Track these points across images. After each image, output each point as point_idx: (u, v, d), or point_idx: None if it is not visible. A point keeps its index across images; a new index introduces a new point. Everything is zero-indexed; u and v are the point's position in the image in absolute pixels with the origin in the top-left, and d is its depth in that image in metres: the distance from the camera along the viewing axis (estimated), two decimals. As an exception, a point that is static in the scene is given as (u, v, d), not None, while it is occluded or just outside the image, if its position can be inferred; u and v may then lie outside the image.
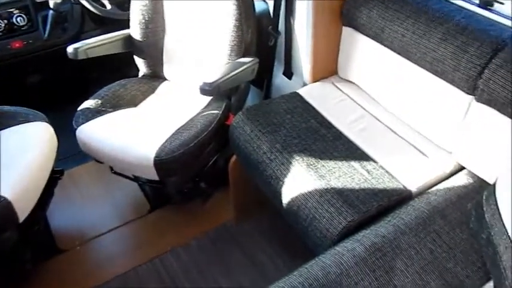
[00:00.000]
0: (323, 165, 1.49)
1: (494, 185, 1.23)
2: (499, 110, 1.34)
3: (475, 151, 1.47)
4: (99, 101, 1.90)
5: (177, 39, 2.02)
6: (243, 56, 1.86)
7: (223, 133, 1.81)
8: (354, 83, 1.91)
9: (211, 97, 1.93)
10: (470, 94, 1.43)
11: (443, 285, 1.18)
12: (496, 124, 1.36)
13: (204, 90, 1.68)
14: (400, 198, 1.43)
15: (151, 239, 1.98)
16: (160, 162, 1.65)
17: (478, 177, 1.48)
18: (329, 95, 1.86)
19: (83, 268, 1.86)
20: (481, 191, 1.31)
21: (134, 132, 1.77)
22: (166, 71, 2.09)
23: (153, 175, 1.70)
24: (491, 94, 1.34)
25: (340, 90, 1.90)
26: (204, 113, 1.85)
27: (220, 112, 1.84)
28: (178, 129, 1.78)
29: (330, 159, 1.51)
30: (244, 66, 1.81)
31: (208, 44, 1.93)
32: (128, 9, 2.04)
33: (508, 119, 1.32)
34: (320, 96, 1.83)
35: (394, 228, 1.29)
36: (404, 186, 1.46)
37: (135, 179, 1.91)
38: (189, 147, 1.68)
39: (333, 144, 1.58)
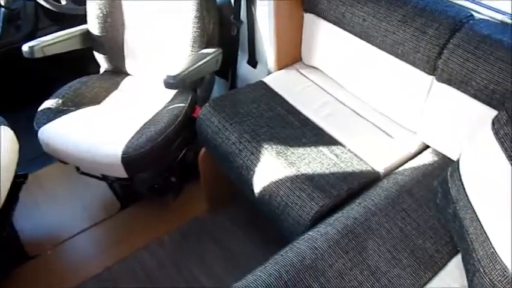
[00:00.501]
0: (292, 152, 1.50)
1: (457, 161, 1.27)
2: (458, 89, 1.38)
3: (438, 130, 1.51)
4: (60, 100, 1.84)
5: (137, 32, 1.98)
6: (206, 47, 1.84)
7: (190, 126, 1.79)
8: (318, 69, 1.92)
9: (176, 90, 1.91)
10: (431, 74, 1.46)
11: (415, 261, 1.22)
12: (456, 102, 1.40)
13: (168, 84, 1.66)
14: (369, 180, 1.46)
15: (123, 237, 1.96)
16: (128, 159, 1.62)
17: (442, 154, 1.53)
18: (294, 82, 1.86)
19: (55, 273, 1.82)
20: (445, 168, 1.35)
21: (99, 130, 1.73)
22: (129, 65, 2.05)
23: (122, 173, 1.67)
24: (451, 73, 1.38)
25: (305, 76, 1.91)
26: (170, 107, 1.82)
27: (186, 105, 1.82)
28: (145, 124, 1.75)
29: (299, 146, 1.53)
30: (208, 57, 1.79)
31: (170, 36, 1.90)
32: (84, 3, 1.98)
33: (467, 97, 1.36)
34: (285, 84, 1.83)
35: (365, 210, 1.32)
36: (372, 168, 1.48)
37: (103, 177, 1.87)
38: (156, 142, 1.66)
39: (301, 131, 1.59)
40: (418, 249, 1.24)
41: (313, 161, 1.47)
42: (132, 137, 1.67)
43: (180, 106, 1.81)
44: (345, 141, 1.57)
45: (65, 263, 1.87)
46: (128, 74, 2.07)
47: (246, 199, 1.62)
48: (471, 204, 1.14)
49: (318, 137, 1.58)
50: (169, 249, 1.88)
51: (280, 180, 1.42)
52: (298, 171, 1.43)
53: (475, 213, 1.12)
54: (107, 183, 2.15)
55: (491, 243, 1.05)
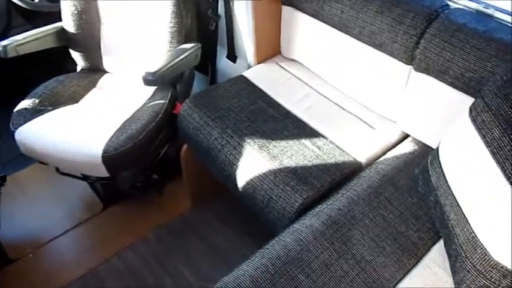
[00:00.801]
0: (275, 146, 1.50)
1: (437, 149, 1.29)
2: (436, 77, 1.40)
3: (417, 118, 1.53)
4: (37, 100, 1.80)
5: (114, 29, 1.95)
6: (185, 42, 1.83)
7: (171, 123, 1.77)
8: (298, 62, 1.92)
9: (155, 87, 1.89)
10: (408, 64, 1.48)
11: (398, 248, 1.23)
12: (434, 91, 1.42)
13: (147, 81, 1.64)
14: (351, 170, 1.47)
15: (107, 237, 1.93)
16: (109, 158, 1.60)
17: (422, 143, 1.55)
18: (274, 75, 1.86)
19: (37, 276, 1.79)
20: (425, 156, 1.37)
21: (78, 130, 1.70)
22: (106, 63, 2.02)
23: (103, 172, 1.64)
24: (428, 63, 1.39)
25: (285, 69, 1.91)
26: (150, 104, 1.80)
27: (167, 101, 1.80)
28: (125, 122, 1.73)
29: (281, 139, 1.53)
30: (187, 53, 1.78)
31: (148, 32, 1.88)
32: (58, 0, 1.94)
33: (445, 85, 1.38)
34: (266, 77, 1.83)
35: (348, 200, 1.33)
36: (354, 159, 1.50)
37: (84, 177, 1.84)
38: (137, 140, 1.64)
39: (283, 124, 1.59)
40: (401, 236, 1.26)
41: (295, 153, 1.48)
42: (113, 136, 1.65)
43: (160, 103, 1.79)
44: (327, 133, 1.58)
45: (48, 265, 1.84)
46: (106, 72, 2.04)
47: (229, 194, 1.62)
48: (451, 191, 1.16)
49: (299, 129, 1.58)
50: (154, 247, 1.87)
51: (264, 174, 1.42)
52: (281, 164, 1.43)
53: (455, 199, 1.15)
54: (88, 183, 2.12)
55: (471, 228, 1.07)
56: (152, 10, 1.82)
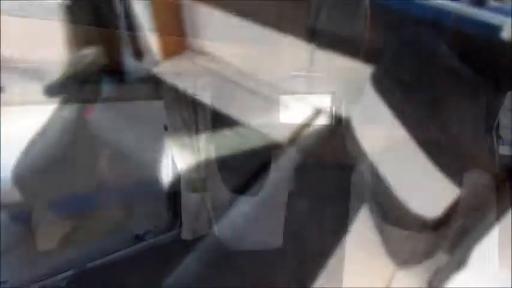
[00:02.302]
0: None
1: (348, 119, 1.36)
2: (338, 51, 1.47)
3: (326, 93, 1.60)
4: None
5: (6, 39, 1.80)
6: (84, 47, 1.74)
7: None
8: (207, 53, 1.91)
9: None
10: (311, 42, 1.53)
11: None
12: (338, 63, 1.49)
13: (48, 92, 1.54)
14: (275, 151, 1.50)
15: None
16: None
17: (335, 115, 1.62)
18: (185, 70, 1.84)
19: None
20: (340, 128, 1.44)
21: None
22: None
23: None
24: (328, 36, 1.45)
25: (196, 63, 1.89)
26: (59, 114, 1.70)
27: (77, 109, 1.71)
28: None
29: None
30: (88, 58, 1.70)
31: (44, 40, 1.76)
32: None
33: (347, 57, 1.45)
34: (176, 72, 1.80)
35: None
36: (275, 140, 1.53)
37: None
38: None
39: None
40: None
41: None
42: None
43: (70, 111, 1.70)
44: (245, 119, 1.60)
45: None
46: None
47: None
48: (367, 155, 1.24)
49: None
50: None
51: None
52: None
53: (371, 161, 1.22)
54: None
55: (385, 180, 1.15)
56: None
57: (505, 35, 1.34)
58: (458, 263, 1.14)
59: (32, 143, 1.60)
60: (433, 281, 1.18)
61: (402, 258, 1.21)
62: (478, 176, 1.15)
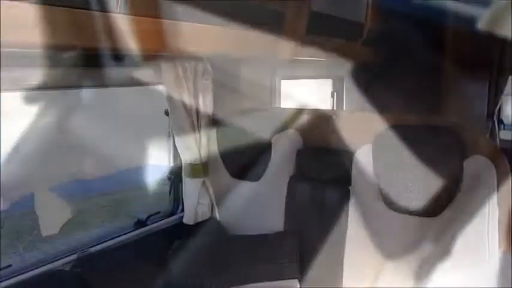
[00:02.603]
0: None
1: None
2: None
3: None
4: None
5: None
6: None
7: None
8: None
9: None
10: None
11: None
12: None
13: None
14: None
15: None
16: None
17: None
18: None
19: None
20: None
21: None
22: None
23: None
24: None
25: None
26: None
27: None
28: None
29: None
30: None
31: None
32: None
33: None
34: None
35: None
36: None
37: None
38: None
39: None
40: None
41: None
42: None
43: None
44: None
45: None
46: None
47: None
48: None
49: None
50: None
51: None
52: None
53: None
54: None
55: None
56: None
57: (481, 25, 1.35)
58: (443, 252, 1.15)
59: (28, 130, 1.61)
60: (420, 271, 1.19)
61: (390, 250, 1.22)
62: (479, 161, 1.16)
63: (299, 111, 1.59)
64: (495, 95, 2.04)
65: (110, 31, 1.07)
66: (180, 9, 1.10)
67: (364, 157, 1.27)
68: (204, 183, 1.61)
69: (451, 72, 2.10)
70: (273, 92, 1.74)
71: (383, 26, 1.92)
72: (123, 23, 1.07)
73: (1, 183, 1.49)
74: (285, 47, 1.64)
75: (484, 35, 1.29)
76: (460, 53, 1.95)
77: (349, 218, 1.30)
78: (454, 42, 1.90)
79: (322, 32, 1.70)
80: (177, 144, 1.57)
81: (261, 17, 1.56)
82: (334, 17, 1.72)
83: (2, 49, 0.87)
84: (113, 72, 2.14)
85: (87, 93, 1.67)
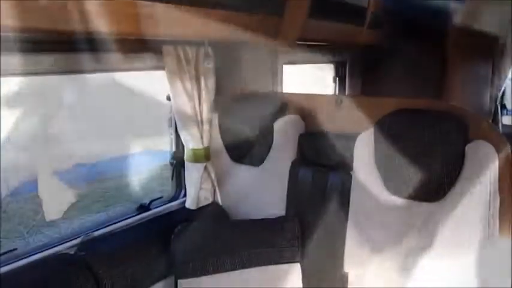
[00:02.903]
0: None
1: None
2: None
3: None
4: None
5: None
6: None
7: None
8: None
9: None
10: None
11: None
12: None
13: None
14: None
15: None
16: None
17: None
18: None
19: None
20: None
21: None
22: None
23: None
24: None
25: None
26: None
27: None
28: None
29: None
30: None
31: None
32: None
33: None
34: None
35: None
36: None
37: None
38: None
39: None
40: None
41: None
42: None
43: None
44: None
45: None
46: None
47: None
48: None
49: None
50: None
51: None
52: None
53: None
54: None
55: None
56: None
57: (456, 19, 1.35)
58: (428, 243, 1.15)
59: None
60: (406, 263, 1.20)
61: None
62: (481, 146, 1.15)
63: (301, 96, 1.58)
64: (498, 80, 2.03)
65: (108, 15, 1.06)
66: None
67: (366, 142, 1.28)
68: (206, 168, 1.62)
69: (454, 57, 2.09)
70: (275, 77, 1.73)
71: (387, 10, 1.91)
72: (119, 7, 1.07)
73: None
74: (287, 31, 1.63)
75: (488, 21, 1.29)
76: (464, 38, 1.94)
77: (350, 203, 1.31)
78: (458, 27, 1.88)
79: (325, 16, 1.69)
80: (179, 129, 1.57)
81: (264, 0, 1.55)
82: (337, 0, 1.71)
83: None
84: (113, 57, 2.14)
85: (87, 79, 1.66)
